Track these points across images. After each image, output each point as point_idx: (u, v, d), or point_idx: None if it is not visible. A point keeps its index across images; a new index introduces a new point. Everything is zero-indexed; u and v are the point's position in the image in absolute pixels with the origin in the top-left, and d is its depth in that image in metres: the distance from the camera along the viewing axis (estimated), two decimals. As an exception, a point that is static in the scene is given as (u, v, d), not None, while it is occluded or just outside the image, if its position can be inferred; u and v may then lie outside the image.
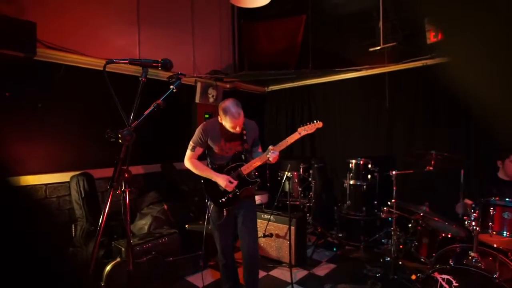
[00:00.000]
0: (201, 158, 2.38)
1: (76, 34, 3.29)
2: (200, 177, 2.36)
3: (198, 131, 2.30)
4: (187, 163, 2.34)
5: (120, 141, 1.21)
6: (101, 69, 1.27)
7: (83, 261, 2.87)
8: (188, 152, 2.34)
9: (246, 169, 2.27)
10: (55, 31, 3.10)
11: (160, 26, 4.11)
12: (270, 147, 2.23)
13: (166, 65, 1.39)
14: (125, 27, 3.78)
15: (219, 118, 2.21)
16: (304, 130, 2.30)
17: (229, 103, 2.14)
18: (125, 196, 1.26)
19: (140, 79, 1.33)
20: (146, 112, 1.31)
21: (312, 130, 2.32)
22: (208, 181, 2.31)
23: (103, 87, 1.45)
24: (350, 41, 4.39)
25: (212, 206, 2.37)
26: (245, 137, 2.31)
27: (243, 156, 2.32)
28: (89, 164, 3.32)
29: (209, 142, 2.29)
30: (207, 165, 2.39)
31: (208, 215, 2.42)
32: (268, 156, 2.20)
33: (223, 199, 2.29)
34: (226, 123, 2.16)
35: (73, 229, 3.13)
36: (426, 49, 3.60)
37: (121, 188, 1.24)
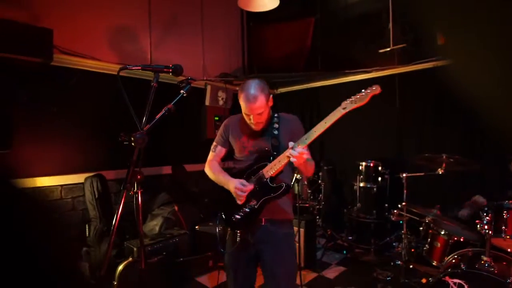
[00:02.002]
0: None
1: (90, 39, 3.39)
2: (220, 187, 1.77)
3: (221, 127, 1.86)
4: (206, 167, 1.84)
5: (133, 144, 1.24)
6: (114, 73, 1.32)
7: (97, 261, 2.95)
8: (210, 154, 1.87)
9: (270, 169, 1.60)
10: (70, 36, 3.20)
11: (170, 30, 4.19)
12: (291, 143, 1.50)
13: (177, 70, 1.43)
14: (137, 32, 3.87)
15: None
16: (351, 103, 1.54)
17: (250, 81, 1.58)
18: (137, 197, 1.30)
19: (152, 84, 1.37)
20: (157, 116, 1.35)
21: (365, 101, 1.58)
22: (223, 191, 1.71)
23: (115, 91, 1.50)
24: (360, 43, 4.37)
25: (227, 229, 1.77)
26: (275, 131, 1.68)
27: (270, 156, 1.63)
28: (102, 166, 3.41)
29: (230, 139, 1.80)
30: None
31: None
32: (287, 154, 1.49)
33: (237, 216, 1.64)
34: (242, 108, 1.63)
35: (87, 229, 3.21)
36: (436, 50, 3.55)
37: (134, 189, 1.28)
